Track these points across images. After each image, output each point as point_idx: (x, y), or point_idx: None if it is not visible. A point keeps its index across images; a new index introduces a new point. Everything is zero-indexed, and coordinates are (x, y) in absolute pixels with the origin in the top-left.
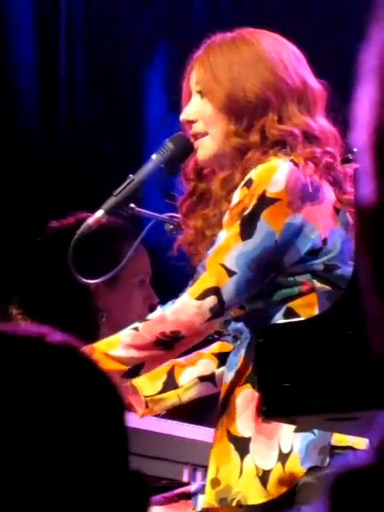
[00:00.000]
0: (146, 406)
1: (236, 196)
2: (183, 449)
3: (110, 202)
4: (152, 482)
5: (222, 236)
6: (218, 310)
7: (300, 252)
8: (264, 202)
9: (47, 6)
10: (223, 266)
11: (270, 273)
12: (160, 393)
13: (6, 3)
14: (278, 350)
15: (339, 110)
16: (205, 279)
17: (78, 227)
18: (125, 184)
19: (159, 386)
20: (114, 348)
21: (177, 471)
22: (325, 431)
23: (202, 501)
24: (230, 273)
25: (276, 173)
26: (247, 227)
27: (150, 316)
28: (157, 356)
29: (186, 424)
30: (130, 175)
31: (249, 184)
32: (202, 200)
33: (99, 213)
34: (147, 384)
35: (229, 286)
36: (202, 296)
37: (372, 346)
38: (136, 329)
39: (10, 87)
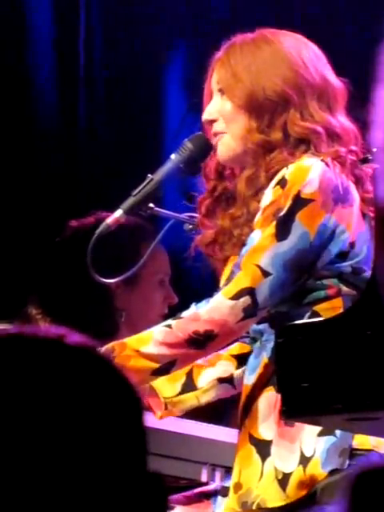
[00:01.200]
0: (166, 408)
1: (269, 195)
2: (202, 448)
3: (129, 201)
4: (171, 481)
5: (257, 236)
6: (251, 311)
7: (331, 254)
8: (299, 202)
9: (66, 6)
10: (258, 266)
11: (304, 274)
12: (179, 395)
13: (25, 3)
14: (298, 349)
15: (360, 109)
16: (239, 279)
17: (97, 227)
18: (144, 184)
19: (178, 387)
20: (145, 345)
21: (196, 471)
22: (346, 432)
23: (225, 506)
24: (265, 274)
25: (310, 173)
26: (282, 228)
27: (184, 314)
28: (189, 355)
29: (204, 424)
30: (149, 175)
31: (283, 183)
32: (223, 200)
33: (118, 212)
34: (166, 386)
35: (263, 287)
36: (237, 296)
37: None
38: (169, 326)
39: (30, 87)
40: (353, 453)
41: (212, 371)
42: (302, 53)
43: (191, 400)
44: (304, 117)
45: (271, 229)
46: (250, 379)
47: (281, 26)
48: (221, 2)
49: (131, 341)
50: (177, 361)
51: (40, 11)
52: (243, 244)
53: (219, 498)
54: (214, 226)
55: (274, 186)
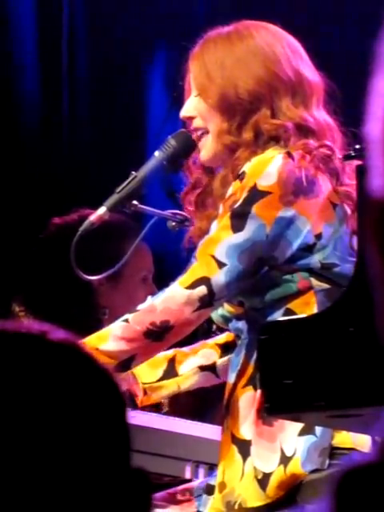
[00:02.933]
0: (145, 393)
1: (229, 190)
2: (185, 445)
3: (113, 198)
4: (154, 478)
5: (214, 228)
6: (207, 301)
7: (292, 246)
8: (255, 194)
9: (50, 7)
10: (213, 257)
11: (261, 266)
12: (159, 380)
13: (9, 4)
14: (280, 346)
15: (340, 100)
16: (195, 269)
17: (81, 224)
18: (127, 181)
19: (159, 373)
20: (104, 342)
21: (179, 468)
22: (326, 431)
23: (211, 505)
24: (220, 264)
25: (269, 166)
26: (238, 219)
27: (140, 306)
28: (148, 348)
29: (187, 421)
30: (133, 172)
31: (242, 177)
32: (208, 192)
33: (101, 210)
34: (147, 371)
35: (219, 277)
36: (192, 285)
37: (381, 338)
38: (126, 320)
39: (13, 87)
40: (333, 452)
41: (195, 359)
42: (276, 48)
43: (172, 386)
44: (276, 114)
45: (226, 220)
46: (231, 377)
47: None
48: (202, 1)
49: (91, 339)
50: (136, 355)
51: (23, 10)
52: None
53: (204, 496)
54: (205, 217)
55: (234, 180)
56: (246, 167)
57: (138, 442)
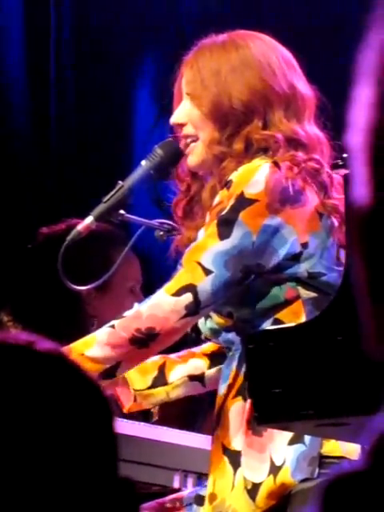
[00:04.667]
0: (135, 400)
1: (216, 198)
2: (174, 455)
3: (100, 208)
4: (143, 488)
5: (200, 235)
6: (193, 309)
7: (278, 254)
8: (242, 202)
9: (37, 19)
10: (199, 264)
11: (247, 274)
12: (150, 388)
13: None
14: (268, 355)
15: (331, 114)
16: (181, 276)
17: (68, 233)
18: (114, 190)
19: (149, 381)
20: (89, 347)
21: (168, 477)
22: (315, 440)
23: None
24: (207, 271)
25: (256, 174)
26: (224, 227)
27: (126, 313)
28: (133, 355)
29: (176, 430)
30: (120, 182)
31: (228, 185)
32: (197, 200)
33: (89, 219)
34: (138, 378)
35: (205, 285)
36: (178, 293)
37: (365, 349)
38: (112, 326)
39: (1, 89)
40: (322, 461)
41: (183, 368)
42: (271, 60)
43: (161, 395)
44: (268, 126)
45: (213, 227)
46: (221, 389)
47: (252, 29)
48: (190, 8)
49: (77, 345)
50: (121, 362)
51: (10, 13)
52: None
53: (194, 506)
54: (194, 226)
55: (221, 189)
56: (233, 176)
57: (127, 452)
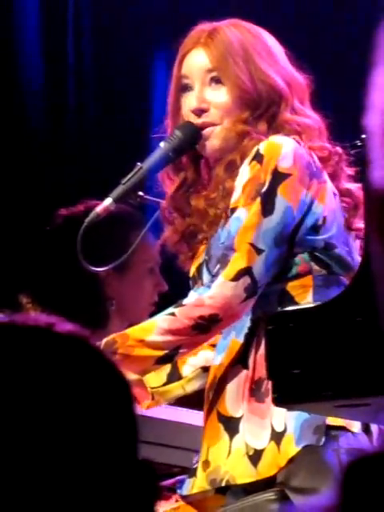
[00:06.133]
0: (152, 398)
1: (246, 172)
2: (193, 436)
3: (119, 190)
4: (164, 469)
5: (243, 215)
6: (252, 290)
7: (307, 227)
8: (278, 176)
9: (55, 7)
10: (251, 244)
11: (291, 247)
12: (165, 384)
13: (14, 4)
14: (288, 336)
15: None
16: (236, 260)
17: (87, 215)
18: (133, 172)
19: (164, 377)
20: (149, 334)
21: (188, 458)
22: (336, 418)
23: (194, 485)
24: (259, 251)
25: (283, 147)
26: (267, 203)
27: (185, 301)
28: (193, 340)
29: (195, 411)
30: (138, 163)
31: (259, 158)
32: (191, 192)
33: (107, 201)
34: (153, 376)
35: (258, 264)
36: (236, 277)
37: None
38: (172, 314)
39: (19, 87)
40: (327, 430)
41: (195, 360)
42: (277, 48)
43: (177, 389)
44: (294, 110)
45: (256, 206)
46: (217, 359)
47: (264, 21)
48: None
49: (134, 331)
50: (181, 346)
51: (28, 11)
52: (219, 221)
53: (186, 480)
54: (179, 223)
55: (251, 162)
56: (261, 149)
57: (146, 433)
